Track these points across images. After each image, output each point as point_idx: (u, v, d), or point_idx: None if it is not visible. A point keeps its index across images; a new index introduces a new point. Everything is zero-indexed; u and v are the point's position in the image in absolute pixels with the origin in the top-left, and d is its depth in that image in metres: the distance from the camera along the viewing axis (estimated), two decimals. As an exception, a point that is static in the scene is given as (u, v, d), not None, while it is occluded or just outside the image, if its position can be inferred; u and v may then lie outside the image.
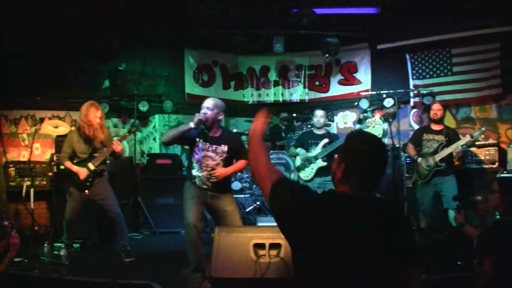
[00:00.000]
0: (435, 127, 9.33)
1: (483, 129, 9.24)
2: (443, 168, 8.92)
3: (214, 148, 7.01)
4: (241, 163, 7.38)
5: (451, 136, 9.09)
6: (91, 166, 8.29)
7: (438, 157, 8.92)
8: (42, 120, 10.91)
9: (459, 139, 9.07)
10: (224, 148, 7.04)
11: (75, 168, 8.26)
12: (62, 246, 8.26)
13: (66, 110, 11.75)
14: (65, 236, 8.65)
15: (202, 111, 6.92)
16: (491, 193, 5.09)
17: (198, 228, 6.89)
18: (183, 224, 7.02)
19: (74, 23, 10.61)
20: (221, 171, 7.05)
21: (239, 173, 8.15)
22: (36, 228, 9.62)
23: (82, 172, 8.24)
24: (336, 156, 9.19)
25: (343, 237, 2.73)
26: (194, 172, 7.05)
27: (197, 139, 6.98)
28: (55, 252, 8.44)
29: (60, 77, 11.34)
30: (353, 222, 2.75)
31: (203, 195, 7.06)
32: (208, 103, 7.00)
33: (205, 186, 7.03)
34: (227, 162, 7.14)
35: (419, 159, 9.23)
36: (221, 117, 7.07)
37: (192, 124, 6.78)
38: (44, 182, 10.32)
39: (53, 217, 10.03)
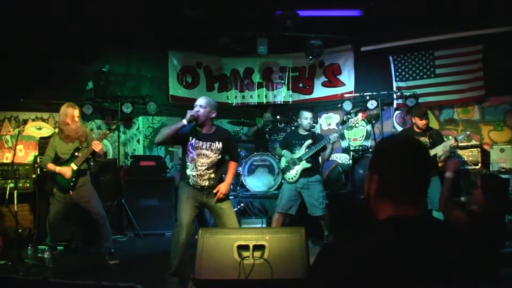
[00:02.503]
0: (418, 129, 9.33)
1: (467, 132, 9.25)
2: None
3: (208, 145, 6.99)
4: (234, 166, 7.53)
5: (435, 138, 9.10)
6: (73, 166, 8.28)
7: None
8: (25, 121, 10.91)
9: (443, 140, 9.10)
10: (219, 145, 7.04)
11: (57, 168, 8.26)
12: (46, 249, 8.24)
13: (50, 111, 11.71)
14: (48, 238, 8.63)
15: (195, 109, 6.94)
16: (475, 189, 5.15)
17: (189, 231, 6.84)
18: (176, 224, 6.94)
19: (58, 24, 10.59)
20: (224, 186, 7.15)
21: (223, 175, 8.11)
22: (19, 230, 9.57)
23: (67, 171, 8.24)
24: (320, 158, 9.25)
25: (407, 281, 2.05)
26: (188, 171, 7.03)
27: (190, 138, 6.96)
28: (39, 255, 8.44)
29: (43, 79, 11.32)
30: (409, 258, 2.09)
31: (199, 195, 7.06)
32: (201, 101, 7.02)
33: (198, 186, 7.03)
34: (220, 160, 7.17)
35: None
36: (214, 115, 7.07)
37: (184, 121, 6.78)
38: (28, 184, 10.25)
39: (36, 219, 9.98)
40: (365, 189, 2.47)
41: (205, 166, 7.00)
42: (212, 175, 7.09)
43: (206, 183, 7.04)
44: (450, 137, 9.19)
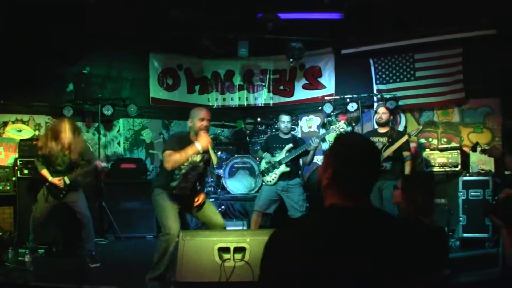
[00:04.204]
0: (381, 130, 9.46)
1: (420, 127, 9.54)
2: (386, 168, 8.98)
3: (201, 157, 6.87)
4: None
5: (395, 137, 9.18)
6: (66, 179, 8.30)
7: (380, 158, 8.95)
8: (5, 123, 10.84)
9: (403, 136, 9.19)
10: (208, 156, 6.98)
11: (50, 179, 8.30)
12: (27, 252, 8.22)
13: (30, 113, 11.60)
14: (31, 237, 8.59)
15: (203, 123, 6.74)
16: (394, 190, 5.20)
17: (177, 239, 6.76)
18: (164, 232, 6.69)
19: (38, 25, 10.55)
20: (203, 196, 7.17)
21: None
22: (0, 233, 9.53)
23: (60, 184, 8.28)
24: (300, 161, 9.30)
25: (341, 261, 2.25)
26: (174, 183, 6.79)
27: None
28: (20, 258, 8.38)
29: (23, 80, 11.22)
30: (350, 240, 2.32)
31: (178, 200, 6.96)
32: (208, 115, 6.83)
33: (179, 195, 6.90)
34: (205, 171, 7.24)
35: None
36: None
37: (200, 149, 6.57)
38: (8, 187, 10.21)
39: (17, 222, 9.93)
40: (318, 176, 2.68)
41: (194, 178, 6.93)
42: (195, 185, 7.08)
43: (189, 192, 6.97)
44: (405, 135, 9.22)
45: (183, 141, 6.70)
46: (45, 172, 8.34)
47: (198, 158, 6.75)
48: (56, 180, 8.25)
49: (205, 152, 6.83)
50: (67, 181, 8.30)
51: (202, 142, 6.56)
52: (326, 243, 2.30)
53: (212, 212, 7.21)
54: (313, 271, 2.22)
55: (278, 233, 2.52)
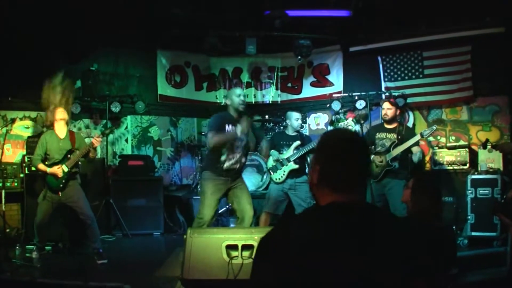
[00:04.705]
0: (388, 125, 9.18)
1: (434, 127, 9.13)
2: (394, 168, 8.82)
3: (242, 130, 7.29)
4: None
5: (404, 134, 8.93)
6: (64, 168, 8.28)
7: (389, 156, 8.84)
8: (13, 120, 10.82)
9: (414, 134, 9.02)
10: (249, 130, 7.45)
11: (49, 170, 8.26)
12: (34, 249, 8.22)
13: (38, 110, 11.55)
14: (36, 239, 8.61)
15: (242, 98, 7.39)
16: (405, 188, 5.19)
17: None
18: (198, 216, 7.29)
19: (45, 22, 10.54)
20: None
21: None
22: (7, 230, 9.53)
23: (58, 172, 8.24)
24: (308, 159, 9.26)
25: (335, 259, 2.20)
26: (223, 157, 7.33)
27: (227, 126, 7.31)
28: (27, 255, 8.40)
29: (31, 78, 11.20)
30: (346, 238, 2.27)
31: (224, 184, 7.40)
32: (242, 91, 7.62)
33: (231, 170, 7.38)
34: (248, 143, 7.65)
35: (372, 157, 9.05)
36: None
37: (239, 133, 7.18)
38: (16, 184, 10.18)
39: (24, 219, 9.92)
40: (308, 177, 2.64)
41: (240, 149, 7.43)
42: (243, 158, 7.56)
43: (238, 165, 7.49)
44: (418, 134, 9.07)
45: (224, 119, 7.40)
46: (41, 166, 8.36)
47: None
48: (55, 169, 8.25)
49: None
50: (65, 169, 8.30)
51: (243, 124, 7.18)
52: (320, 241, 2.27)
53: (247, 201, 7.61)
54: (307, 270, 2.19)
55: (271, 232, 2.47)
